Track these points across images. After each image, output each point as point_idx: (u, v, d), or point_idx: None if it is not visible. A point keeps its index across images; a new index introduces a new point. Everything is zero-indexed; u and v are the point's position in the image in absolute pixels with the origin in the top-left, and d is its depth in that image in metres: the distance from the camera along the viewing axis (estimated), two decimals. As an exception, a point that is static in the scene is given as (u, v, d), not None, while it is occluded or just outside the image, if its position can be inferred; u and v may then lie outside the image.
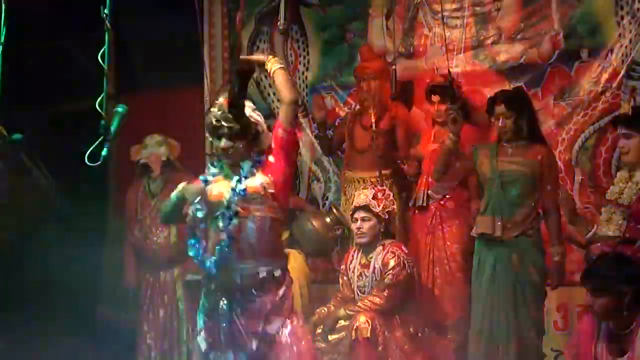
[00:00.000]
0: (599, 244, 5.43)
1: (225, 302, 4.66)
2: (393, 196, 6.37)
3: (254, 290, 4.65)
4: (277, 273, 4.68)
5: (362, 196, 6.22)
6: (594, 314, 4.56)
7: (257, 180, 4.69)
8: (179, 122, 7.37)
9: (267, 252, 4.69)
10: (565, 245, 5.87)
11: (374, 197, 6.18)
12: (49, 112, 6.84)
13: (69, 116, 6.92)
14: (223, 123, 4.63)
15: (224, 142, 4.67)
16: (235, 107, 4.50)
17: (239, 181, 4.68)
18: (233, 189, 4.66)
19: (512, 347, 5.70)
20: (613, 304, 4.47)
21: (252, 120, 4.71)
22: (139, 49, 7.52)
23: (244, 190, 4.64)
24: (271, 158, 4.72)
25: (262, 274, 4.64)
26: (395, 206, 6.31)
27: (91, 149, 3.84)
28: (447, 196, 6.58)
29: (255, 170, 4.71)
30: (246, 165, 4.71)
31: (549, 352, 6.39)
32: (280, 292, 4.69)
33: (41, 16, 6.55)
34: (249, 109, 4.70)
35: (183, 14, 6.75)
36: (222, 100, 4.69)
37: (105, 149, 3.90)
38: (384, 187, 6.44)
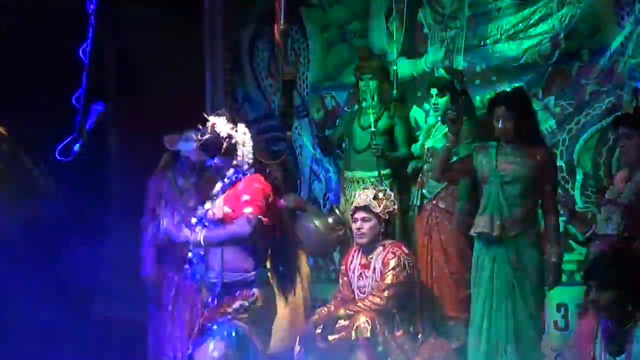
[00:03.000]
0: (598, 242, 5.42)
1: None
2: (394, 196, 6.37)
3: None
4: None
5: (363, 196, 6.21)
6: (600, 310, 4.55)
7: (217, 205, 4.88)
8: (180, 123, 7.35)
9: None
10: (561, 246, 5.86)
11: (375, 197, 6.18)
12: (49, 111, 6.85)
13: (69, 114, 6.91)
14: (199, 143, 4.91)
15: (207, 162, 4.99)
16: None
17: (202, 204, 4.94)
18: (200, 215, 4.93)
19: (511, 347, 5.70)
20: (619, 298, 4.47)
21: (223, 135, 4.85)
22: (140, 49, 7.52)
23: (205, 213, 4.90)
24: (245, 197, 4.83)
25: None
26: (396, 206, 6.30)
27: (63, 144, 3.84)
28: (440, 195, 6.58)
29: (221, 193, 4.92)
30: (217, 188, 4.94)
31: (548, 352, 6.39)
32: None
33: (33, 13, 6.56)
34: (222, 123, 4.82)
35: (184, 15, 6.77)
36: (212, 118, 4.92)
37: (77, 145, 3.90)
38: (385, 187, 6.44)
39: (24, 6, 6.14)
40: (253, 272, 4.83)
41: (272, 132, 8.08)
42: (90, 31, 3.88)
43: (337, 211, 6.87)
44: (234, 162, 4.90)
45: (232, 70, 8.25)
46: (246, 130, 4.95)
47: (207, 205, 4.92)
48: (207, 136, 4.86)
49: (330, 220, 6.82)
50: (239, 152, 4.90)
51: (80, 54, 3.87)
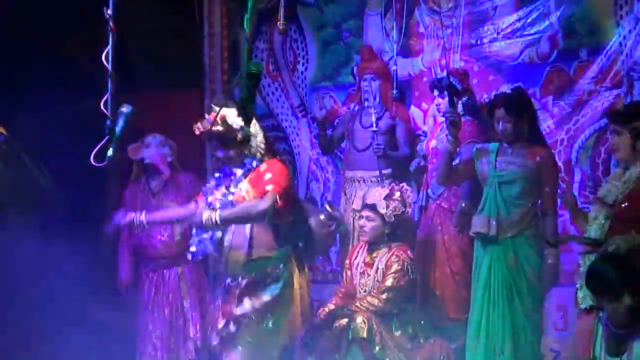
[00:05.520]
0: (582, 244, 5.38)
1: None
2: (410, 198, 6.35)
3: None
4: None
5: (376, 194, 6.24)
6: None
7: (242, 188, 4.96)
8: (179, 122, 7.33)
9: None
10: (558, 247, 5.86)
11: (387, 197, 6.17)
12: (51, 113, 6.82)
13: (71, 116, 6.90)
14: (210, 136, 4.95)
15: (219, 153, 5.03)
16: (246, 109, 4.69)
17: (228, 190, 5.00)
18: (222, 199, 5.00)
19: (509, 347, 5.68)
20: None
21: (236, 126, 4.88)
22: (139, 49, 7.52)
23: (226, 197, 4.98)
24: (268, 175, 4.93)
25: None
26: (406, 208, 6.27)
27: (96, 149, 3.86)
28: (444, 195, 6.58)
29: (243, 178, 4.97)
30: (239, 173, 5.00)
31: (547, 353, 6.39)
32: None
33: (43, 16, 6.55)
34: (232, 115, 4.84)
35: (183, 14, 6.74)
36: (211, 115, 4.95)
37: (110, 150, 3.93)
38: (402, 187, 6.38)
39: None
40: (279, 249, 4.97)
41: (270, 131, 8.08)
42: (110, 36, 3.89)
43: (328, 207, 6.87)
44: (247, 152, 4.94)
45: (230, 70, 8.24)
46: (255, 121, 4.98)
47: (221, 191, 4.99)
48: (219, 128, 4.87)
49: (321, 217, 6.82)
50: (252, 143, 4.95)
51: (103, 60, 3.89)
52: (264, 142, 5.03)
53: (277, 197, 4.84)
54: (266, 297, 4.96)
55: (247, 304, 4.95)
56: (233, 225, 5.00)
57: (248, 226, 4.95)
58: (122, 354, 7.00)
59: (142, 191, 7.02)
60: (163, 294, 6.94)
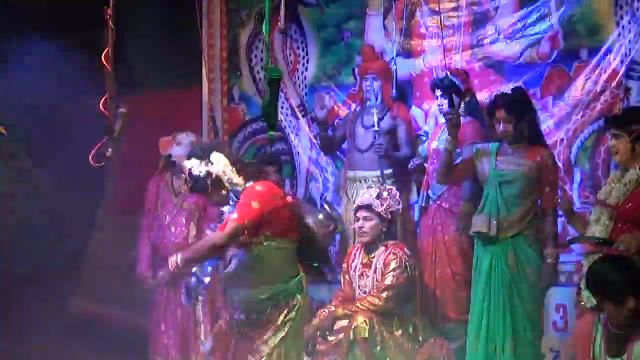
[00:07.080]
0: (586, 245, 5.39)
1: None
2: (400, 196, 6.37)
3: None
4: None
5: (366, 195, 6.25)
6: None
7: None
8: (177, 122, 7.35)
9: None
10: (558, 247, 5.86)
11: (378, 196, 6.20)
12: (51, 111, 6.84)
13: (70, 115, 6.91)
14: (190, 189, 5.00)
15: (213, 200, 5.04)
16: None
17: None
18: None
19: (509, 347, 5.70)
20: None
21: (202, 176, 4.87)
22: (138, 49, 7.52)
23: None
24: (240, 203, 4.85)
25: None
26: (400, 206, 6.32)
27: (95, 149, 3.85)
28: (445, 196, 6.59)
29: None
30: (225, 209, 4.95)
31: (547, 352, 6.38)
32: None
33: (43, 15, 6.55)
34: (196, 165, 4.83)
35: (182, 14, 6.75)
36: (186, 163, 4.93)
37: (109, 150, 3.92)
38: (391, 187, 6.43)
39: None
40: (294, 280, 4.85)
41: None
42: (110, 36, 3.88)
43: (326, 207, 6.88)
44: (224, 191, 4.91)
45: (229, 70, 8.24)
46: (220, 157, 4.89)
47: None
48: (190, 183, 4.90)
49: (320, 216, 6.82)
50: (225, 182, 4.89)
51: (103, 60, 3.88)
52: (236, 171, 4.92)
53: (239, 229, 4.68)
54: (287, 328, 4.90)
55: (272, 340, 4.90)
56: (237, 260, 4.89)
57: (256, 262, 4.85)
58: (136, 353, 6.99)
59: (165, 188, 7.02)
60: (176, 295, 6.90)
